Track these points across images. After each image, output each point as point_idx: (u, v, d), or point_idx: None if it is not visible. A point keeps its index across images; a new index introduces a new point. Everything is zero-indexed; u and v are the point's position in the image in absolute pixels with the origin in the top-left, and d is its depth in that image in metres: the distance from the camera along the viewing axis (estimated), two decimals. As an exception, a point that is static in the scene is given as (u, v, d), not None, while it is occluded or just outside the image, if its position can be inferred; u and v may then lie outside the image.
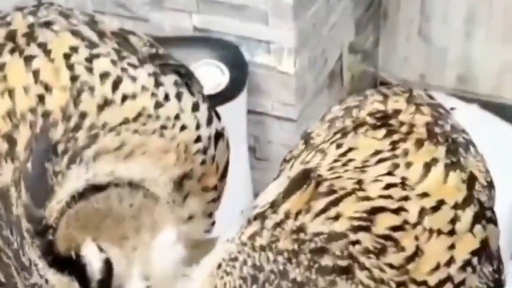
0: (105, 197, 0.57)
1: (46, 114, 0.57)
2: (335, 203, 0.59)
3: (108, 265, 0.55)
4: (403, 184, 0.61)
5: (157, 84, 0.65)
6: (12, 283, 0.50)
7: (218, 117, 0.74)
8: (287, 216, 0.58)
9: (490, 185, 0.67)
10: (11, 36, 0.61)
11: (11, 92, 0.58)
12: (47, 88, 0.59)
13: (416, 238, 0.59)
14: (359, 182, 0.61)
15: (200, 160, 0.68)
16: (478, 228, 0.63)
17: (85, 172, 0.56)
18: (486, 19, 2.13)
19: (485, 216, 0.64)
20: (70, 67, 0.61)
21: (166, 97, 0.65)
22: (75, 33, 0.63)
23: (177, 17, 1.82)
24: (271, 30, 1.76)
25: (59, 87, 0.59)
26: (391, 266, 0.58)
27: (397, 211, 0.60)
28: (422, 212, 0.60)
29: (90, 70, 0.61)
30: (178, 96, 0.66)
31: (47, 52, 0.60)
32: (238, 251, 0.57)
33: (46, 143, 0.55)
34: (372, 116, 0.67)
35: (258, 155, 2.01)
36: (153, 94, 0.64)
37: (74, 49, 0.62)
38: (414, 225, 0.60)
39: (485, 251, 0.63)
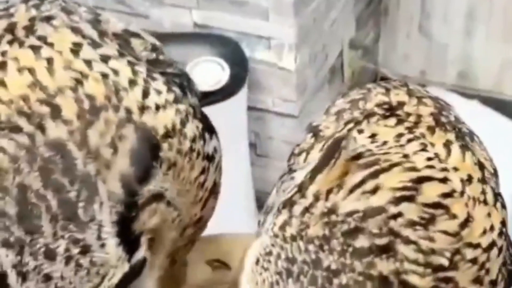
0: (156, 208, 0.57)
1: (90, 97, 0.56)
2: (374, 175, 0.55)
3: (143, 263, 0.56)
4: (439, 158, 0.60)
5: (177, 100, 0.63)
6: (31, 222, 0.49)
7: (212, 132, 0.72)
8: (316, 198, 0.53)
9: (496, 174, 0.67)
10: (10, 28, 0.61)
11: (31, 71, 0.57)
12: (82, 74, 0.57)
13: (466, 205, 0.58)
14: (405, 155, 0.58)
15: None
16: (498, 204, 0.62)
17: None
18: (486, 16, 2.13)
19: (499, 197, 0.64)
20: (88, 62, 0.59)
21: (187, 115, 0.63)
22: (75, 30, 0.62)
23: (177, 13, 1.82)
24: (272, 26, 1.76)
25: (92, 77, 0.58)
26: (445, 233, 0.55)
27: (443, 180, 0.58)
28: (462, 182, 0.59)
29: (115, 72, 0.59)
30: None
31: (50, 45, 0.59)
32: (271, 244, 0.53)
33: (147, 131, 0.56)
34: (380, 107, 0.66)
35: (259, 152, 2.01)
36: (177, 110, 0.63)
37: (78, 45, 0.60)
38: (461, 193, 0.58)
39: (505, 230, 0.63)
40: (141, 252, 0.54)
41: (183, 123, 0.63)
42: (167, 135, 0.60)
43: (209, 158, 0.68)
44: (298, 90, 1.84)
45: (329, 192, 0.54)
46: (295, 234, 0.52)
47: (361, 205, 0.53)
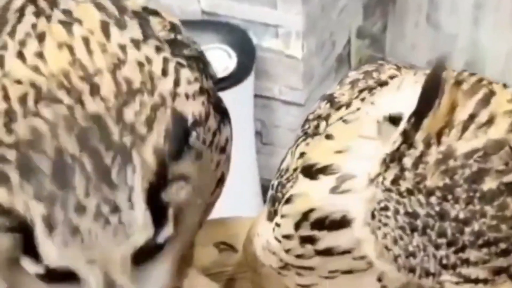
0: None
1: (127, 80, 0.57)
2: (485, 101, 0.49)
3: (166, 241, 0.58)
4: None
5: (202, 90, 0.64)
6: (64, 179, 0.51)
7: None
8: (427, 144, 0.48)
9: None
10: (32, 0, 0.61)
11: (70, 48, 0.58)
12: (119, 59, 0.58)
13: None
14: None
15: None
16: None
17: None
18: (494, 5, 2.13)
19: None
20: (122, 48, 0.60)
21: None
22: (98, 6, 0.62)
23: (185, 1, 1.82)
24: (279, 14, 1.76)
25: (129, 64, 0.59)
26: None
27: None
28: None
29: (149, 61, 0.60)
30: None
31: (78, 22, 0.60)
32: (385, 198, 0.49)
33: (181, 116, 0.57)
34: (392, 80, 0.65)
35: (264, 140, 2.02)
36: (203, 102, 0.64)
37: (106, 25, 0.60)
38: None
39: None
40: (169, 228, 0.54)
41: (207, 115, 0.64)
42: (195, 124, 0.61)
43: (223, 150, 0.69)
44: (304, 79, 1.84)
45: (439, 135, 0.48)
46: (411, 188, 0.48)
47: (479, 142, 0.47)
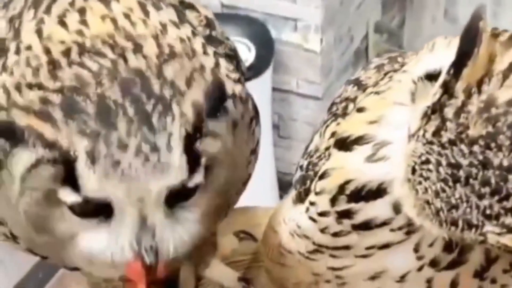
0: None
1: (170, 45, 0.60)
2: None
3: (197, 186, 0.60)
4: None
5: (240, 81, 0.66)
6: (108, 119, 0.54)
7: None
8: (468, 94, 0.47)
9: None
10: None
11: (113, 20, 0.60)
12: (161, 31, 0.61)
13: None
14: None
15: None
16: None
17: None
18: (513, 0, 2.12)
19: None
20: (163, 26, 0.61)
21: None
22: None
23: (205, -6, 1.83)
24: (298, 8, 1.76)
25: (171, 36, 0.61)
26: None
27: None
28: None
29: (189, 39, 0.62)
30: None
31: (116, 0, 0.62)
32: (426, 152, 0.48)
33: (220, 80, 0.60)
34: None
35: (282, 133, 2.02)
36: (242, 89, 0.67)
37: (144, 4, 0.62)
38: None
39: None
40: (200, 175, 0.57)
41: (246, 99, 0.67)
42: (234, 96, 0.64)
43: (253, 151, 0.72)
44: (322, 72, 1.85)
45: (479, 84, 0.47)
46: (453, 138, 0.47)
47: None
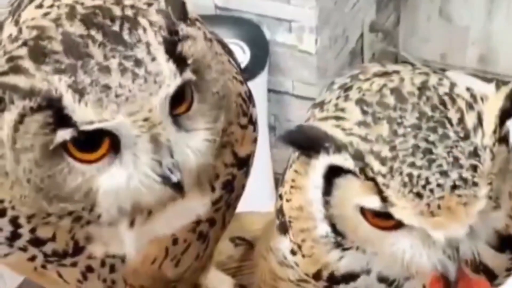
0: None
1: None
2: None
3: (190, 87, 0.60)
4: None
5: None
6: (79, 51, 0.54)
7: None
8: None
9: None
10: None
11: None
12: None
13: None
14: None
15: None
16: None
17: None
18: (507, -2, 2.12)
19: None
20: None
21: None
22: None
23: (199, -4, 1.83)
24: (293, 9, 1.76)
25: None
26: None
27: None
28: None
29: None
30: None
31: None
32: None
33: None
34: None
35: (278, 134, 2.02)
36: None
37: None
38: None
39: None
40: (188, 73, 0.57)
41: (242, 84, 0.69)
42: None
43: (255, 141, 0.73)
44: (318, 73, 1.85)
45: None
46: None
47: None
